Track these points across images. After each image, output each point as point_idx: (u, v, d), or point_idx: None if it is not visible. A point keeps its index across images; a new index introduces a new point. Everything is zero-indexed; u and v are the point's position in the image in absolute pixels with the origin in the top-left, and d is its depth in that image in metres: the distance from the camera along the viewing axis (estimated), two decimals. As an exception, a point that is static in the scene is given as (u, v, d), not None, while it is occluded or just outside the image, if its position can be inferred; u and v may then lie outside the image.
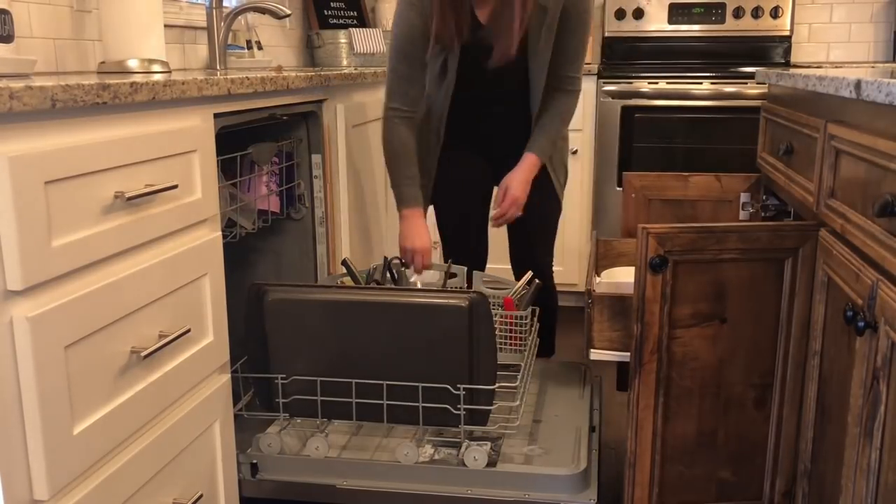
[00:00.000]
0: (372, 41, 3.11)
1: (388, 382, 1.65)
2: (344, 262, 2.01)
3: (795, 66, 3.20)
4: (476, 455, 1.66)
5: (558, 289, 2.94)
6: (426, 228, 2.05)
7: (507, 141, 2.15)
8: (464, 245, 2.24)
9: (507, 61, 1.96)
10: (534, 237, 2.24)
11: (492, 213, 2.14)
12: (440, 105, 2.09)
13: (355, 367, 1.66)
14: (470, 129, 2.15)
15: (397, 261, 2.08)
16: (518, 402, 1.73)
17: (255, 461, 1.70)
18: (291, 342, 1.66)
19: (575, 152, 3.20)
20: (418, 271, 2.06)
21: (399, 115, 2.03)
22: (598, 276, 1.88)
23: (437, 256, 3.26)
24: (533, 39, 1.99)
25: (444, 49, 2.00)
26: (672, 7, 3.47)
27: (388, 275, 2.05)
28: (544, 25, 1.98)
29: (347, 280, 2.04)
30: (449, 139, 2.14)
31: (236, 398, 1.66)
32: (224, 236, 1.56)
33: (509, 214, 2.08)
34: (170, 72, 1.85)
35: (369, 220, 2.40)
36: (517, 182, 2.07)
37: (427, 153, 2.16)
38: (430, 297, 1.63)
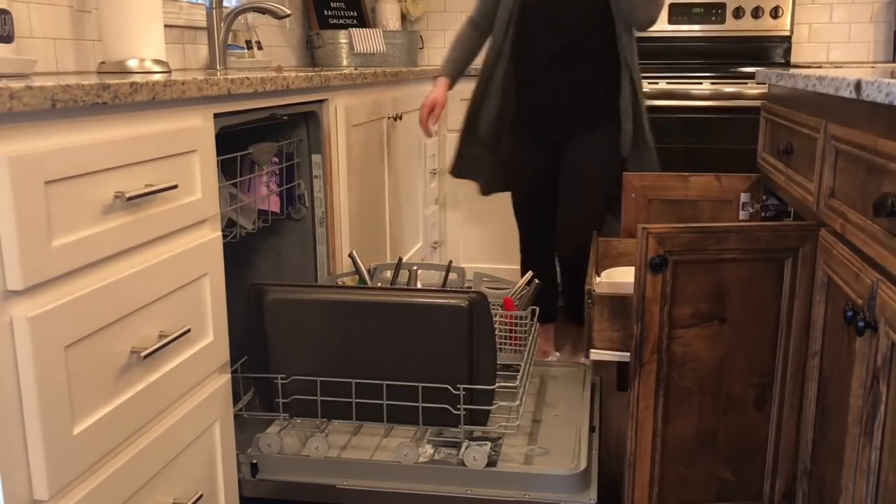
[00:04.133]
0: (372, 41, 3.11)
1: (388, 382, 1.65)
2: (350, 256, 2.01)
3: (795, 66, 3.20)
4: (476, 455, 1.66)
5: (558, 289, 2.94)
6: (445, 91, 2.43)
7: (581, 103, 2.28)
8: (534, 224, 2.48)
9: None
10: (578, 212, 2.34)
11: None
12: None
13: (355, 367, 1.66)
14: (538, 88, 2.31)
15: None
16: (518, 402, 1.73)
17: (255, 461, 1.70)
18: (291, 342, 1.66)
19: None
20: (425, 120, 2.38)
21: (470, 20, 2.46)
22: (598, 276, 1.88)
23: (438, 257, 3.26)
24: None
25: None
26: (672, 7, 3.47)
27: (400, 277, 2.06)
28: None
29: (349, 279, 2.04)
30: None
31: (236, 398, 1.66)
32: (224, 236, 1.56)
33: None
34: (170, 72, 1.85)
35: (369, 220, 2.40)
36: None
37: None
38: (430, 297, 1.63)
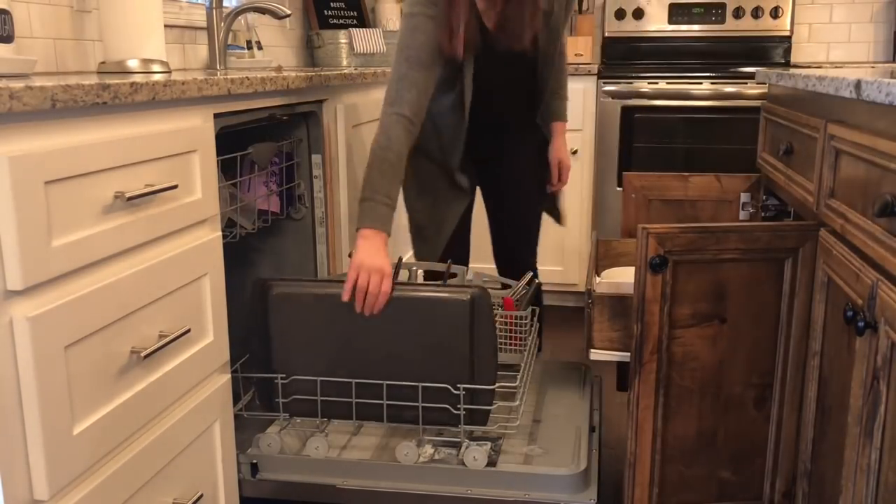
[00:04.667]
0: (372, 41, 3.11)
1: (388, 382, 1.65)
2: (350, 256, 2.01)
3: (795, 66, 3.20)
4: (476, 455, 1.66)
5: (559, 289, 2.94)
6: (386, 253, 1.69)
7: (509, 139, 2.17)
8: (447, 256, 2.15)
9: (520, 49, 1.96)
10: (523, 236, 2.25)
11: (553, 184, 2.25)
12: (457, 114, 2.03)
13: (357, 364, 1.66)
14: (477, 132, 2.12)
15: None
16: (518, 402, 1.73)
17: (255, 461, 1.70)
18: (295, 337, 1.66)
19: (575, 152, 3.20)
20: (373, 295, 1.64)
21: (404, 123, 1.76)
22: (598, 276, 1.88)
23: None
24: (541, 41, 1.99)
25: (455, 59, 1.91)
26: (672, 7, 3.47)
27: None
28: (549, 28, 1.98)
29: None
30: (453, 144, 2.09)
31: (236, 398, 1.66)
32: (224, 236, 1.56)
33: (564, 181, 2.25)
34: (170, 72, 1.85)
35: (369, 220, 2.40)
36: (565, 153, 2.22)
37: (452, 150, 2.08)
38: (433, 291, 1.63)
